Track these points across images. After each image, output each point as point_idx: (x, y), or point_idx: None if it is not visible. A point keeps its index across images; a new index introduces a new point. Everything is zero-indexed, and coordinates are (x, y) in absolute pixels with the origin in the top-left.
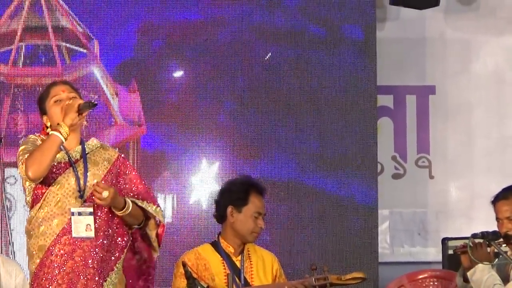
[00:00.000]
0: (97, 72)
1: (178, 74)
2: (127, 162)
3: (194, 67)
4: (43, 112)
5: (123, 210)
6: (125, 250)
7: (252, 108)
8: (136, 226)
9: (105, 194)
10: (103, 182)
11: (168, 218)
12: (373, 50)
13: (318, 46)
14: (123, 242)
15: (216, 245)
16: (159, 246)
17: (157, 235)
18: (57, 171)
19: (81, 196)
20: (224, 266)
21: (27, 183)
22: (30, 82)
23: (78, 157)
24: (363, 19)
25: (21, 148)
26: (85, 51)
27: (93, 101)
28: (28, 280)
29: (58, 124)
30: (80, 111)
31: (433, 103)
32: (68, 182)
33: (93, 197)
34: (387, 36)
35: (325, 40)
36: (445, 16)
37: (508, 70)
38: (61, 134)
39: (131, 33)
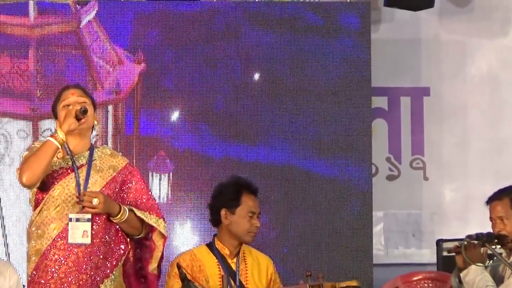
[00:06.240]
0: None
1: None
2: (135, 172)
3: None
4: (55, 116)
5: (119, 216)
6: (123, 258)
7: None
8: (136, 237)
9: (95, 201)
10: (103, 189)
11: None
12: (368, 51)
13: (314, 47)
14: (121, 250)
15: (211, 247)
16: (161, 260)
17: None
18: (59, 176)
19: (79, 202)
20: (219, 268)
21: None
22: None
23: (84, 162)
24: (358, 20)
25: (24, 154)
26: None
27: (82, 108)
28: (23, 283)
29: (55, 130)
30: (77, 117)
31: (428, 105)
32: (68, 187)
33: (85, 208)
34: (382, 37)
35: (320, 41)
36: (439, 18)
37: (503, 72)
38: (56, 140)
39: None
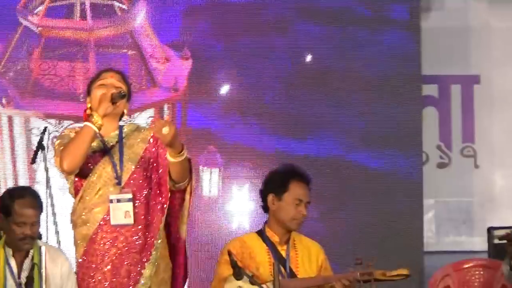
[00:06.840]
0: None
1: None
2: None
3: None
4: (88, 93)
5: (181, 152)
6: (162, 225)
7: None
8: (182, 184)
9: (165, 130)
10: (139, 164)
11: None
12: (418, 40)
13: (363, 38)
14: (160, 216)
15: (261, 234)
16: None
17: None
18: (94, 161)
19: (118, 183)
20: (269, 255)
21: None
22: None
23: (114, 142)
24: (407, 9)
25: (56, 143)
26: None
27: (122, 92)
28: (74, 269)
29: (91, 114)
30: (113, 100)
31: (478, 92)
32: (105, 170)
33: (155, 133)
34: (432, 25)
35: (369, 31)
36: (489, 5)
37: None
38: (94, 124)
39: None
